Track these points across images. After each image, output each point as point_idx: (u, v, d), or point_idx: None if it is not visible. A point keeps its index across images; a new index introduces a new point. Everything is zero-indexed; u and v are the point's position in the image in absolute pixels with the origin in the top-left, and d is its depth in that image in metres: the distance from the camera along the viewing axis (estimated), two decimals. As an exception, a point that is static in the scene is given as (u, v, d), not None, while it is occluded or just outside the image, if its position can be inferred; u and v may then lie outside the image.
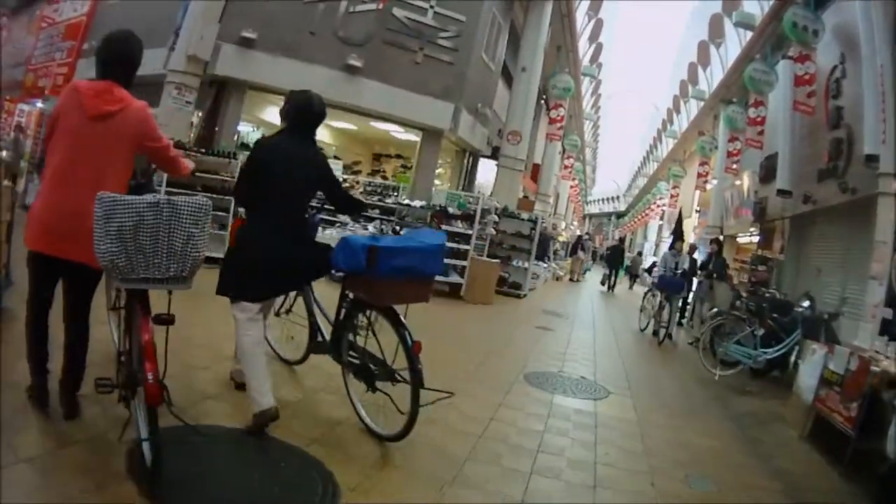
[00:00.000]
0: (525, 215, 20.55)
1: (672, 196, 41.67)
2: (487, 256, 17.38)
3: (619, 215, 78.59)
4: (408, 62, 18.98)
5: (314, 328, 6.19)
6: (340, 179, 20.19)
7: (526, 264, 19.57)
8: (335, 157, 23.85)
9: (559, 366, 9.88)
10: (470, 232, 16.41)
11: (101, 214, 3.72)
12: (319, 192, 5.80)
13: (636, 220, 62.82)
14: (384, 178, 24.60)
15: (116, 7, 22.33)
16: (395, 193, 20.09)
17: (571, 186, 53.27)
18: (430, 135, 20.18)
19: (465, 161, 24.24)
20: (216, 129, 18.05)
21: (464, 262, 16.20)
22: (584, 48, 36.65)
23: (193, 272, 4.06)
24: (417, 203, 17.32)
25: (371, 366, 5.35)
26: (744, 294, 14.62)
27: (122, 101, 4.36)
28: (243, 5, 17.33)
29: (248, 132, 21.21)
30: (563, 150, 38.97)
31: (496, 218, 18.39)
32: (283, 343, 6.90)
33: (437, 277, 10.56)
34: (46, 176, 4.36)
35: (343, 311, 5.67)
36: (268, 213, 5.23)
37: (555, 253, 32.55)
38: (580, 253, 35.52)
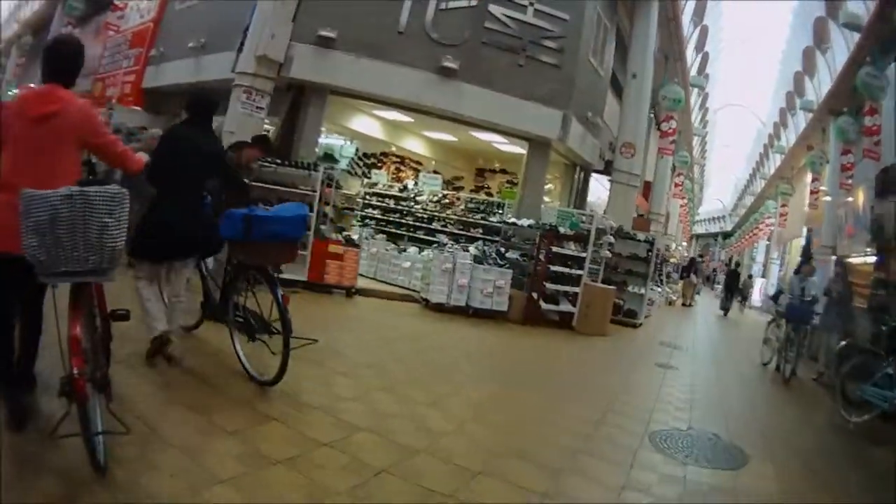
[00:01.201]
0: (641, 236, 18.80)
1: (781, 215, 39.64)
2: (602, 282, 16.24)
3: (726, 235, 76.83)
4: (509, 64, 16.73)
5: (208, 295, 7.39)
6: (440, 195, 19.23)
7: (642, 290, 18.13)
8: (434, 172, 22.38)
9: (687, 418, 8.67)
10: (583, 255, 15.05)
11: (22, 210, 3.84)
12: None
13: (743, 240, 60.98)
14: (488, 194, 22.75)
15: (183, 13, 21.19)
16: (501, 211, 18.41)
17: (681, 206, 51.71)
18: (538, 146, 17.77)
19: (576, 176, 22.02)
20: (294, 138, 16.05)
21: (576, 289, 14.90)
22: (690, 58, 34.57)
23: (112, 263, 4.12)
24: (525, 222, 15.81)
25: (251, 321, 6.54)
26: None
27: (62, 101, 4.55)
28: (319, 3, 15.38)
29: (342, 145, 19.46)
30: (674, 168, 37.07)
31: (611, 239, 16.81)
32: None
33: (546, 306, 14.41)
34: (3, 178, 4.40)
35: (228, 276, 6.97)
36: (169, 190, 6.20)
37: (668, 276, 31.19)
38: (693, 276, 34.20)
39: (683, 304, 31.88)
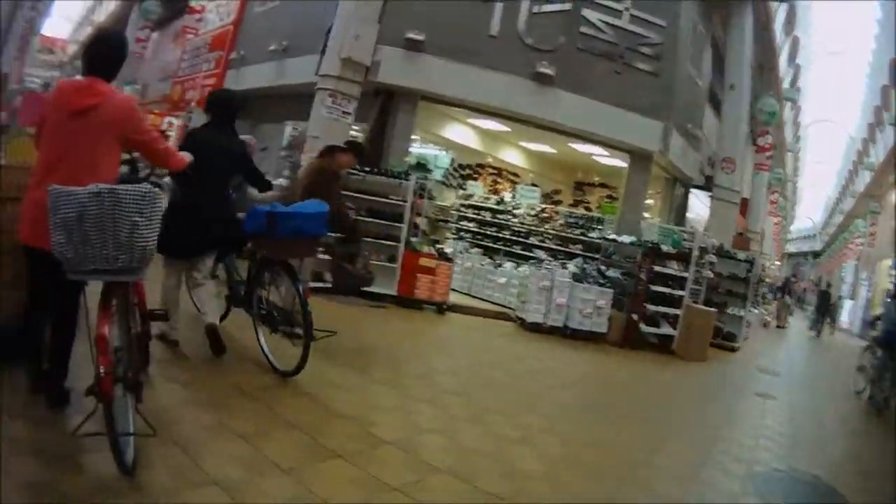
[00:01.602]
0: (741, 255, 17.72)
1: (870, 234, 38.51)
2: (703, 303, 15.11)
3: (815, 255, 74.55)
4: (606, 72, 15.80)
5: (233, 286, 7.55)
6: (539, 209, 18.48)
7: (741, 311, 17.09)
8: (532, 185, 21.35)
9: (787, 455, 8.09)
10: (685, 275, 14.09)
11: (50, 206, 3.78)
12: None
13: (832, 260, 59.60)
14: (587, 209, 21.74)
15: (263, 15, 20.82)
16: (601, 227, 17.50)
17: (775, 223, 50.34)
18: (639, 159, 16.86)
19: (676, 191, 20.97)
20: (384, 145, 15.32)
21: (677, 311, 13.93)
22: (782, 69, 33.39)
23: (143, 262, 4.02)
24: (626, 239, 14.89)
25: (274, 313, 6.88)
26: None
27: (102, 95, 4.41)
28: (406, 4, 14.63)
29: (436, 155, 18.30)
30: (769, 184, 35.62)
31: (713, 258, 15.82)
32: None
33: (646, 329, 13.58)
34: (35, 174, 4.41)
35: (253, 270, 7.17)
36: (193, 189, 6.07)
37: (763, 297, 30.17)
38: (786, 297, 33.36)
39: (777, 326, 30.82)
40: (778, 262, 63.33)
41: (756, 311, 22.93)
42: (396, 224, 12.56)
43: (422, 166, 14.41)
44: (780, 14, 28.57)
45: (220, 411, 5.31)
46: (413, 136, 16.23)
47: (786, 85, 34.00)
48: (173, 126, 20.16)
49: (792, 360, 19.94)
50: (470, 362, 9.45)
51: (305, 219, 6.55)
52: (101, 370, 3.69)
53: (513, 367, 9.78)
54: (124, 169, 5.03)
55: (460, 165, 20.38)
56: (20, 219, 4.42)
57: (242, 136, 11.87)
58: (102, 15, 44.54)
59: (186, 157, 5.21)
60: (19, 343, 4.73)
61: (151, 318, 4.72)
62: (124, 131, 4.50)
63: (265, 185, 7.30)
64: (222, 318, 7.45)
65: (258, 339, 6.91)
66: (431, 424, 6.17)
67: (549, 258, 15.19)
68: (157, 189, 3.98)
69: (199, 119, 18.89)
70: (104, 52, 4.62)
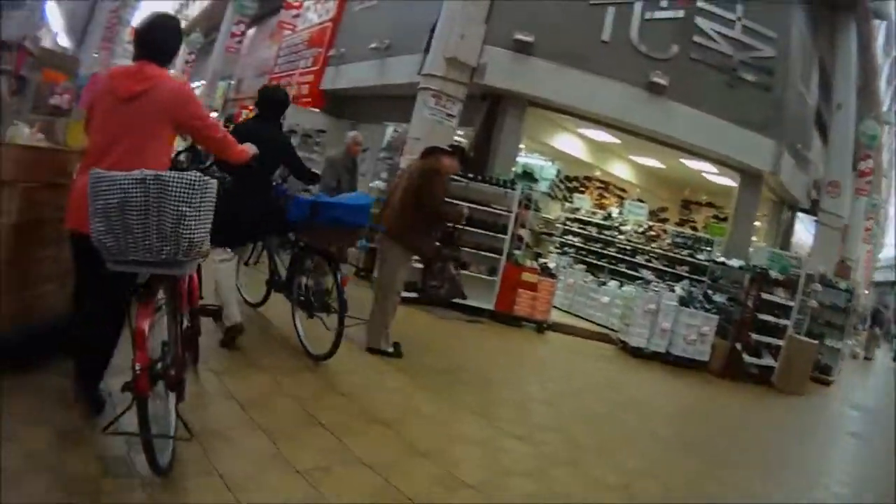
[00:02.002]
0: (842, 284, 17.10)
1: None
2: (805, 334, 14.31)
3: None
4: (718, 84, 15.06)
5: (274, 272, 7.85)
6: (647, 226, 17.91)
7: (838, 343, 16.43)
8: (639, 201, 20.43)
9: None
10: (790, 303, 13.27)
11: (90, 192, 3.63)
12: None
13: None
14: (694, 229, 20.76)
15: (364, 13, 20.36)
16: (709, 248, 16.73)
17: (867, 251, 47.98)
18: (750, 179, 16.10)
19: (783, 215, 20.26)
20: (489, 152, 14.69)
21: (779, 341, 13.20)
22: (882, 91, 32.18)
23: (190, 256, 3.80)
24: (734, 262, 14.22)
25: (312, 299, 7.13)
26: None
27: (153, 80, 4.24)
28: (514, 4, 14.01)
29: (542, 166, 17.96)
30: (866, 210, 34.20)
31: (818, 287, 15.28)
32: (250, 288, 8.46)
33: (748, 359, 12.84)
34: (83, 159, 4.28)
35: (295, 258, 7.39)
36: (241, 180, 6.08)
37: (854, 328, 28.92)
38: (876, 328, 32.83)
39: (865, 357, 29.94)
40: (866, 292, 61.95)
41: (850, 342, 22.36)
42: (499, 235, 12.15)
43: (528, 175, 14.03)
44: (880, 34, 27.82)
45: (281, 442, 4.79)
46: (520, 144, 15.72)
47: (884, 108, 32.94)
48: None
49: (880, 394, 19.46)
50: (567, 389, 9.12)
51: (346, 209, 6.86)
52: (137, 367, 3.54)
53: (612, 397, 9.36)
54: (185, 157, 5.26)
55: (566, 177, 20.00)
56: (67, 205, 4.29)
57: (350, 132, 11.84)
58: (196, 9, 45.04)
59: (250, 148, 5.17)
60: (63, 340, 4.64)
61: (203, 315, 4.76)
62: (177, 118, 4.34)
63: (311, 177, 7.63)
64: (261, 302, 8.29)
65: (295, 324, 7.29)
66: (521, 466, 5.66)
67: (657, 279, 14.56)
68: (207, 178, 3.78)
69: (295, 117, 18.78)
70: (156, 36, 4.45)
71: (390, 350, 7.79)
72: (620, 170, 22.19)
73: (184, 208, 3.62)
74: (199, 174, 3.72)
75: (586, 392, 9.17)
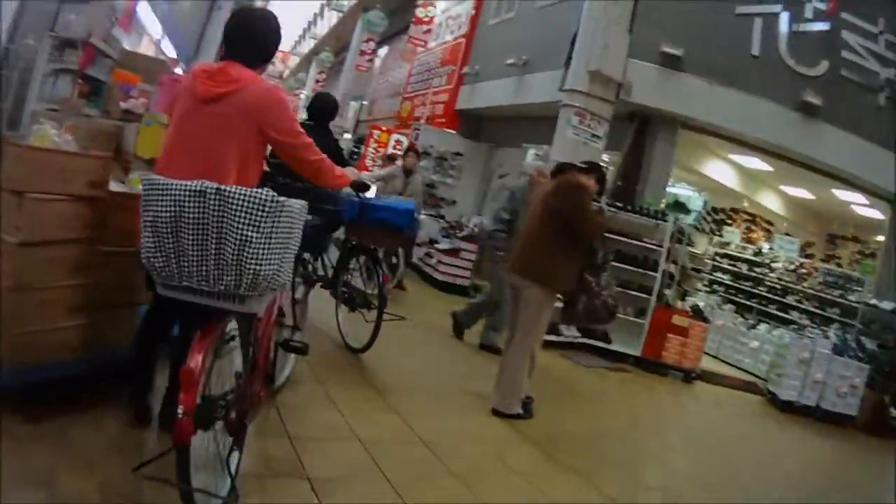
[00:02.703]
0: None
1: None
2: None
3: None
4: (868, 105, 13.81)
5: (323, 269, 8.08)
6: (798, 262, 16.59)
7: None
8: (786, 235, 19.13)
9: None
10: None
11: (142, 200, 3.22)
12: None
13: None
14: (838, 265, 19.18)
15: (498, 28, 19.59)
16: (860, 288, 14.96)
17: None
18: (902, 211, 14.70)
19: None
20: (639, 179, 13.71)
21: None
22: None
23: (257, 291, 3.23)
24: (887, 305, 13.13)
25: (354, 295, 7.66)
26: None
27: (239, 81, 3.72)
28: (659, 11, 12.83)
29: (689, 196, 16.47)
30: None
31: None
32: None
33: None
34: (156, 167, 3.84)
35: (342, 256, 7.84)
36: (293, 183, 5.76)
37: None
38: None
39: None
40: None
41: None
42: (649, 273, 11.32)
43: (680, 206, 13.14)
44: None
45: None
46: (671, 171, 14.61)
47: None
48: (401, 144, 19.70)
49: None
50: (716, 462, 7.87)
51: (392, 211, 7.14)
52: (180, 410, 3.03)
53: (761, 474, 8.00)
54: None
55: (714, 209, 18.87)
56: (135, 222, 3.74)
57: (537, 162, 11.32)
58: (324, 27, 45.61)
59: (350, 173, 4.75)
60: (128, 367, 4.29)
61: (288, 351, 4.50)
62: (262, 125, 3.79)
63: (362, 186, 7.41)
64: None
65: (337, 318, 7.85)
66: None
67: (812, 324, 13.54)
68: (284, 200, 3.22)
69: (428, 138, 18.40)
70: (245, 32, 3.97)
71: (519, 412, 6.82)
72: (771, 201, 20.80)
73: (249, 232, 3.13)
74: (271, 193, 3.18)
75: (745, 470, 7.86)
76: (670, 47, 12.86)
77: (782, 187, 19.72)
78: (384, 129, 22.93)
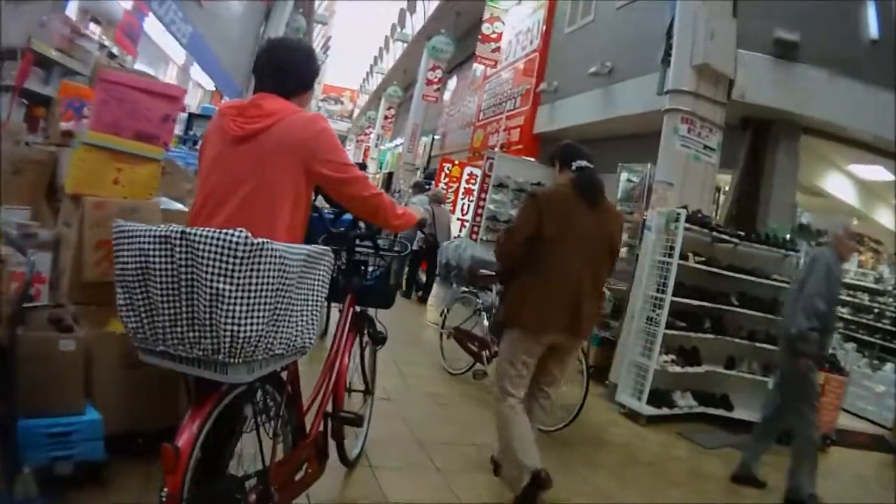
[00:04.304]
0: None
1: None
2: None
3: None
4: None
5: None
6: None
7: None
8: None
9: None
10: None
11: (114, 250, 2.78)
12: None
13: None
14: None
15: (575, 35, 17.79)
16: None
17: None
18: None
19: None
20: (758, 200, 11.12)
21: None
22: None
23: (239, 356, 2.59)
24: None
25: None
26: None
27: (275, 114, 3.18)
28: None
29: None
30: None
31: None
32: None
33: None
34: (188, 219, 3.25)
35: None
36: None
37: None
38: None
39: None
40: None
41: None
42: (777, 318, 8.67)
43: (806, 230, 11.08)
44: None
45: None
46: (796, 188, 11.80)
47: None
48: (474, 177, 18.71)
49: None
50: None
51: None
52: (163, 494, 2.51)
53: None
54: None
55: (818, 231, 16.38)
56: None
57: (843, 220, 9.18)
58: (391, 60, 45.84)
59: (417, 212, 3.94)
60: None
61: (342, 423, 3.98)
62: (307, 161, 3.19)
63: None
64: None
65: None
66: None
67: None
68: (262, 242, 2.53)
69: (503, 167, 16.64)
70: (276, 59, 3.44)
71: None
72: (886, 218, 16.69)
73: (219, 284, 2.50)
74: (246, 234, 2.51)
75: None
76: (785, 32, 10.45)
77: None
78: (456, 162, 21.54)
